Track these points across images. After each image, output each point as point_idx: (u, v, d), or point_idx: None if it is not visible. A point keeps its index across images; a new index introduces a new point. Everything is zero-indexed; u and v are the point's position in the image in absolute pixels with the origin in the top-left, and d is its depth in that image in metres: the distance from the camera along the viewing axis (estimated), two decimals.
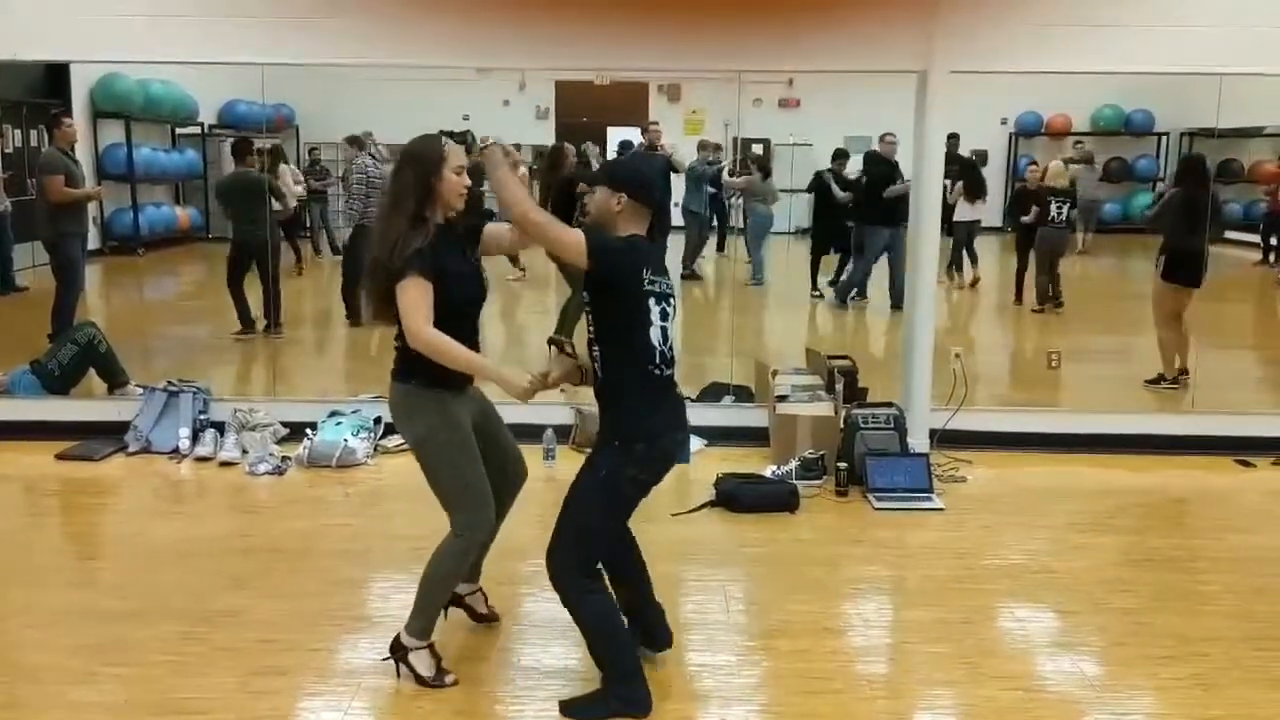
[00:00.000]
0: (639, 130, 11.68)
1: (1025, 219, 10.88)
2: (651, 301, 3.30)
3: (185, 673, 3.59)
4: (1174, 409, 7.11)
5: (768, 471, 5.66)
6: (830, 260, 11.73)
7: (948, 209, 12.00)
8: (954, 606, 4.22)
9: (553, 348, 7.57)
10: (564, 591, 3.41)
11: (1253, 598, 4.33)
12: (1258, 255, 13.35)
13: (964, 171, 12.03)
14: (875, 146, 11.08)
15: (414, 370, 3.39)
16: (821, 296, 11.54)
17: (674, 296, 3.41)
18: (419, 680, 3.52)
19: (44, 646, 3.79)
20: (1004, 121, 17.09)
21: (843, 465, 5.50)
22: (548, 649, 3.84)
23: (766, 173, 12.46)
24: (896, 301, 9.98)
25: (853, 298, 11.06)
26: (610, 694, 3.39)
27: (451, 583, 3.62)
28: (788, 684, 3.61)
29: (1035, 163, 12.15)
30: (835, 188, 11.56)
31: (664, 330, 3.34)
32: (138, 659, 3.68)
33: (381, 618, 4.07)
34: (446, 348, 3.29)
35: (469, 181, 3.42)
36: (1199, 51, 5.87)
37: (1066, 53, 5.93)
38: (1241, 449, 6.21)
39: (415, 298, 3.26)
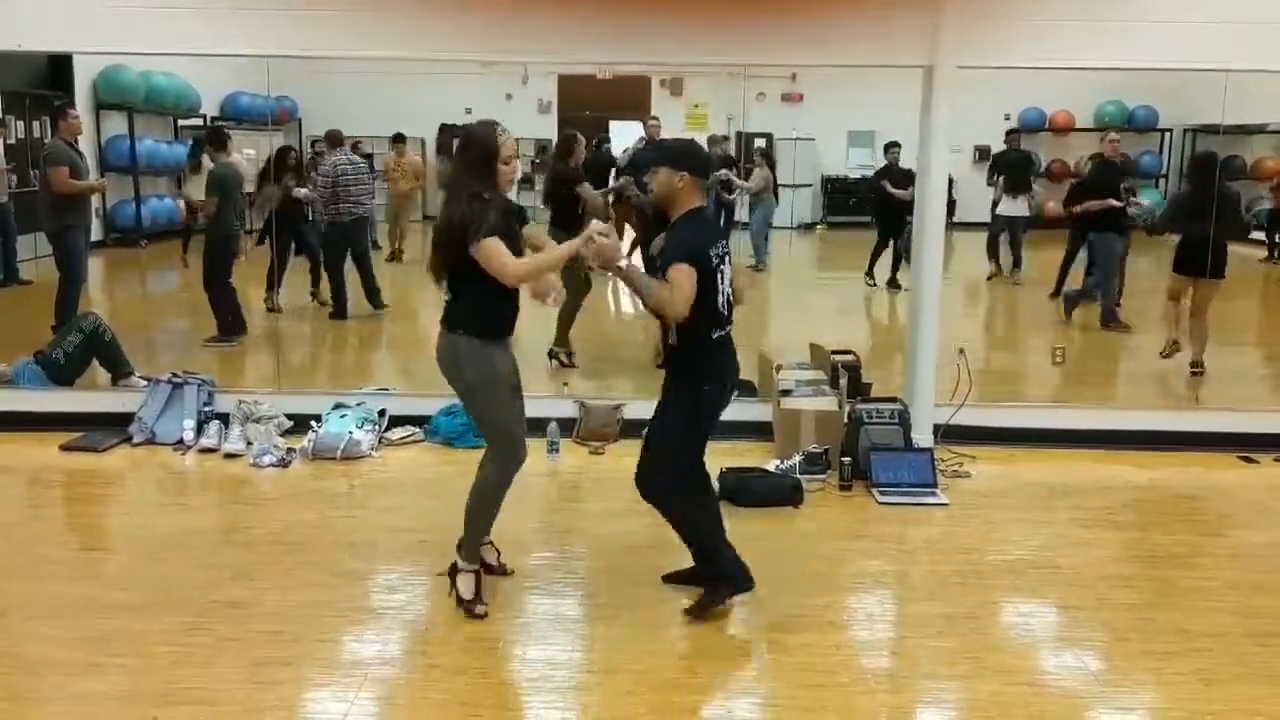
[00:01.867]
0: (641, 124, 11.66)
1: (1095, 206, 10.61)
2: (720, 273, 3.85)
3: (190, 664, 3.60)
4: (1178, 405, 7.11)
5: (771, 466, 5.66)
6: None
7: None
8: (958, 601, 4.23)
9: (553, 361, 7.60)
10: (663, 507, 4.06)
11: (1255, 593, 4.34)
12: (1263, 252, 13.34)
13: (1011, 167, 12.03)
14: (1100, 149, 10.39)
15: (463, 321, 3.89)
16: (875, 284, 11.57)
17: (729, 255, 3.96)
18: (459, 601, 3.97)
19: (48, 638, 3.79)
20: (1007, 118, 17.05)
21: (847, 460, 5.50)
22: (551, 641, 3.84)
23: (772, 164, 12.46)
24: (1107, 319, 9.38)
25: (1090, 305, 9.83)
26: (718, 587, 4.04)
27: (493, 509, 4.06)
28: (791, 677, 3.62)
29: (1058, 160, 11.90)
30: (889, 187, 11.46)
31: (728, 294, 3.90)
32: (142, 650, 3.69)
33: (387, 609, 4.08)
34: (536, 263, 3.92)
35: (518, 170, 3.77)
36: (1203, 48, 5.86)
37: (1071, 48, 5.92)
38: (1245, 445, 6.21)
39: (497, 248, 3.75)
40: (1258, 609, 4.18)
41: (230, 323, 8.36)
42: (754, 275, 11.78)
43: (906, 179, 10.95)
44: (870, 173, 13.34)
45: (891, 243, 11.61)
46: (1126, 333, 9.20)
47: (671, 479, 4.04)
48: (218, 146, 8.68)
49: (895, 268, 11.55)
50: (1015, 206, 11.95)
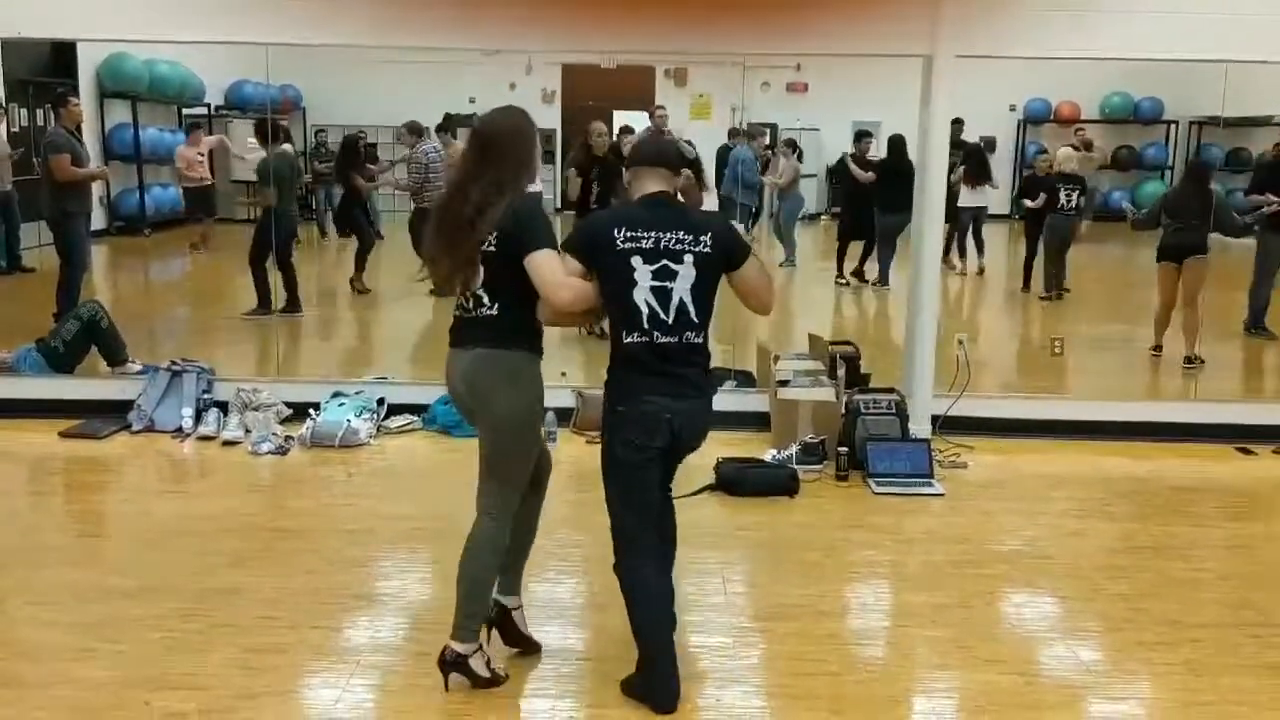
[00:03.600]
0: (646, 114, 11.64)
1: (1031, 204, 10.84)
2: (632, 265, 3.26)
3: (185, 649, 3.62)
4: (1175, 397, 7.11)
5: (768, 456, 5.67)
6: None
7: (951, 194, 12.00)
8: (952, 591, 4.23)
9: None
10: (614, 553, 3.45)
11: (1249, 585, 4.34)
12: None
13: (968, 157, 11.99)
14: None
15: (522, 335, 3.33)
16: (848, 284, 11.49)
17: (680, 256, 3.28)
18: (478, 683, 3.36)
19: (45, 623, 3.81)
20: (1012, 108, 17.00)
21: (844, 450, 5.51)
22: (545, 628, 3.85)
23: (800, 155, 12.47)
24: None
25: None
26: (636, 677, 3.38)
27: (494, 575, 3.44)
28: (784, 666, 3.63)
29: (1045, 150, 12.01)
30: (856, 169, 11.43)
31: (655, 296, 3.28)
32: (138, 636, 3.71)
33: (382, 596, 4.10)
34: (586, 290, 3.29)
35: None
36: (1208, 38, 5.84)
37: (1072, 37, 5.90)
38: (1243, 437, 6.20)
39: (556, 263, 3.24)
40: (1250, 601, 4.19)
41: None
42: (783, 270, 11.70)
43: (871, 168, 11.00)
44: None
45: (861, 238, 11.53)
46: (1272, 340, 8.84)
47: (612, 528, 3.44)
48: (272, 137, 9.01)
49: (864, 259, 11.49)
50: (977, 198, 11.95)
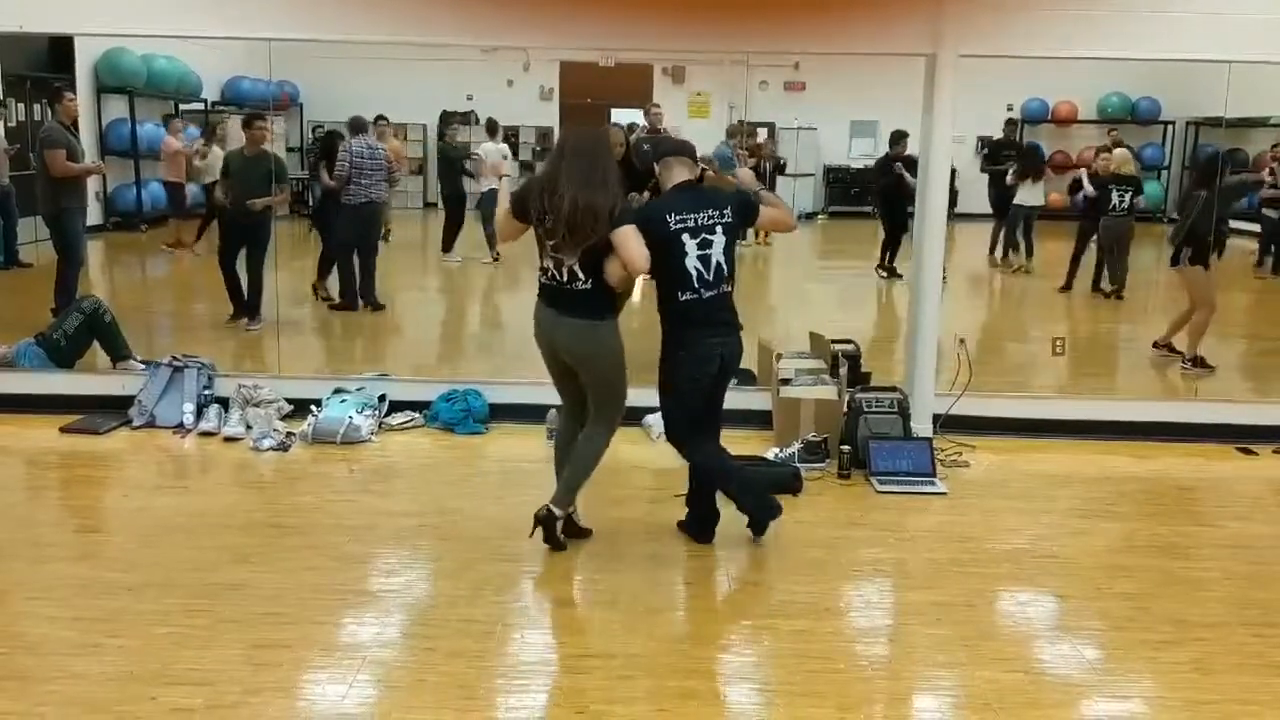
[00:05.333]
0: (642, 112, 11.64)
1: (1090, 193, 10.61)
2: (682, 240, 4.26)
3: (188, 645, 3.61)
4: (1177, 397, 7.12)
5: (770, 454, 5.67)
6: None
7: (1009, 192, 12.05)
8: (955, 590, 4.23)
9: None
10: (678, 449, 4.57)
11: (1252, 584, 4.35)
12: (1255, 244, 13.30)
13: (1023, 156, 12.00)
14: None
15: (607, 308, 4.32)
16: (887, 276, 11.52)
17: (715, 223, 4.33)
18: (553, 543, 4.38)
19: (47, 618, 3.80)
20: (1010, 108, 17.05)
21: (846, 448, 5.51)
22: (548, 625, 3.85)
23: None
24: None
25: None
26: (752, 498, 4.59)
27: (594, 465, 4.45)
28: (787, 663, 3.63)
29: (1108, 150, 11.73)
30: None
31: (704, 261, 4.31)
32: (141, 631, 3.70)
33: (385, 593, 4.09)
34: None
35: None
36: (1207, 38, 5.84)
37: (1075, 37, 5.90)
38: (1244, 437, 6.21)
39: (636, 234, 4.19)
40: (1254, 600, 4.19)
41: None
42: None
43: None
44: (871, 162, 13.41)
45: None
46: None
47: (675, 434, 4.55)
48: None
49: (894, 255, 11.54)
50: (1035, 196, 11.92)
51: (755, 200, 4.50)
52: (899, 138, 11.45)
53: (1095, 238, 10.65)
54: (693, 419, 4.47)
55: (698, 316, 4.30)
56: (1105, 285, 10.59)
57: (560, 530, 4.40)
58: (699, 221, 4.27)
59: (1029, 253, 12.02)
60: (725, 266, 4.32)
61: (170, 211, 12.53)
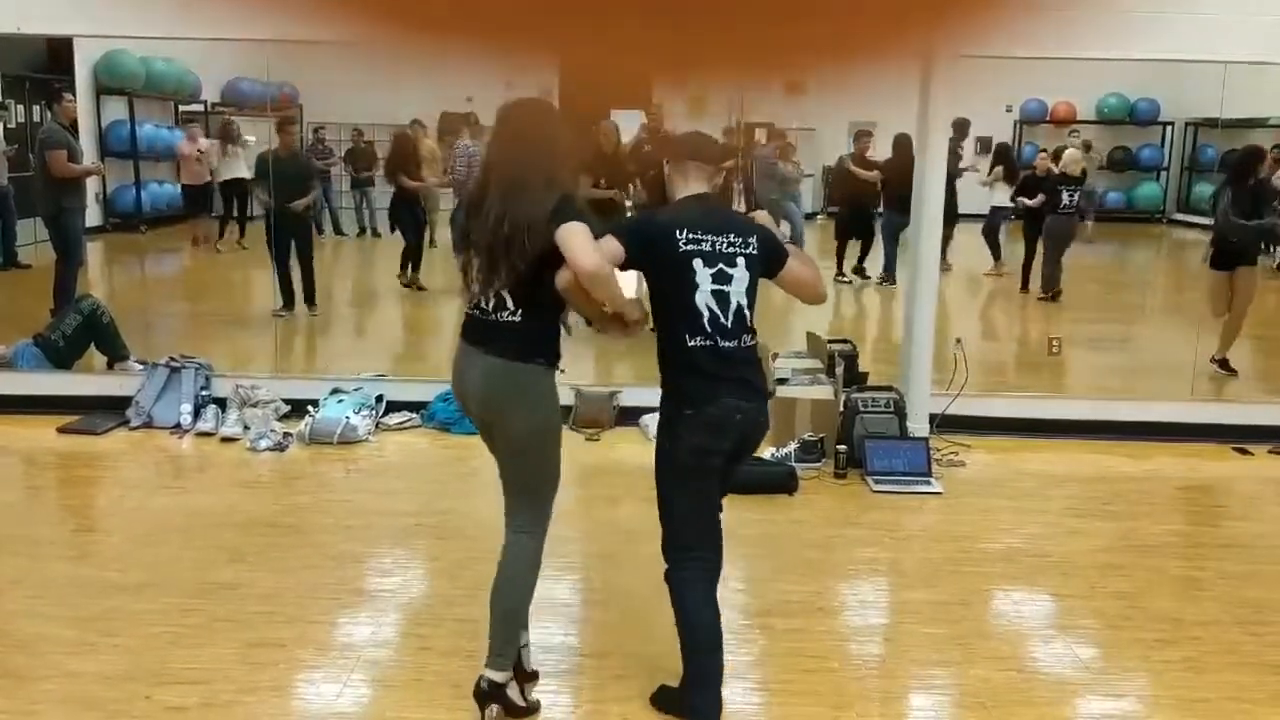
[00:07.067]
0: (641, 112, 11.62)
1: (1029, 203, 10.82)
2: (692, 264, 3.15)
3: (184, 644, 3.62)
4: (1173, 397, 7.10)
5: (766, 453, 5.68)
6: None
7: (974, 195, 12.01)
8: (950, 589, 4.24)
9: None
10: (666, 560, 3.33)
11: (1246, 583, 4.35)
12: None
13: (999, 157, 11.98)
14: None
15: (542, 346, 3.14)
16: (850, 281, 11.51)
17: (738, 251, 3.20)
18: (515, 713, 3.22)
19: (43, 617, 3.81)
20: (1009, 109, 17.04)
21: (842, 448, 5.52)
22: (544, 625, 3.85)
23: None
24: None
25: None
26: (681, 695, 3.29)
27: (531, 596, 3.31)
28: (782, 662, 3.64)
29: (1045, 150, 11.96)
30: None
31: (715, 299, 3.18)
32: (137, 630, 3.71)
33: (381, 592, 4.10)
34: (612, 278, 3.13)
35: None
36: (1205, 39, 5.86)
37: (1074, 37, 5.88)
38: (1240, 437, 6.22)
39: (584, 231, 3.07)
40: (1248, 599, 4.20)
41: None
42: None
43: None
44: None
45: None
46: None
47: (663, 534, 3.32)
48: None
49: (863, 257, 11.55)
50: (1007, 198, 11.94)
51: (783, 248, 3.35)
52: (860, 136, 11.67)
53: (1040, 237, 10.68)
54: (698, 514, 3.31)
55: (711, 370, 3.12)
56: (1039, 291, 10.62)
57: (515, 693, 3.25)
58: (717, 247, 3.14)
59: (996, 255, 12.03)
60: (747, 312, 3.18)
61: (191, 213, 12.63)
